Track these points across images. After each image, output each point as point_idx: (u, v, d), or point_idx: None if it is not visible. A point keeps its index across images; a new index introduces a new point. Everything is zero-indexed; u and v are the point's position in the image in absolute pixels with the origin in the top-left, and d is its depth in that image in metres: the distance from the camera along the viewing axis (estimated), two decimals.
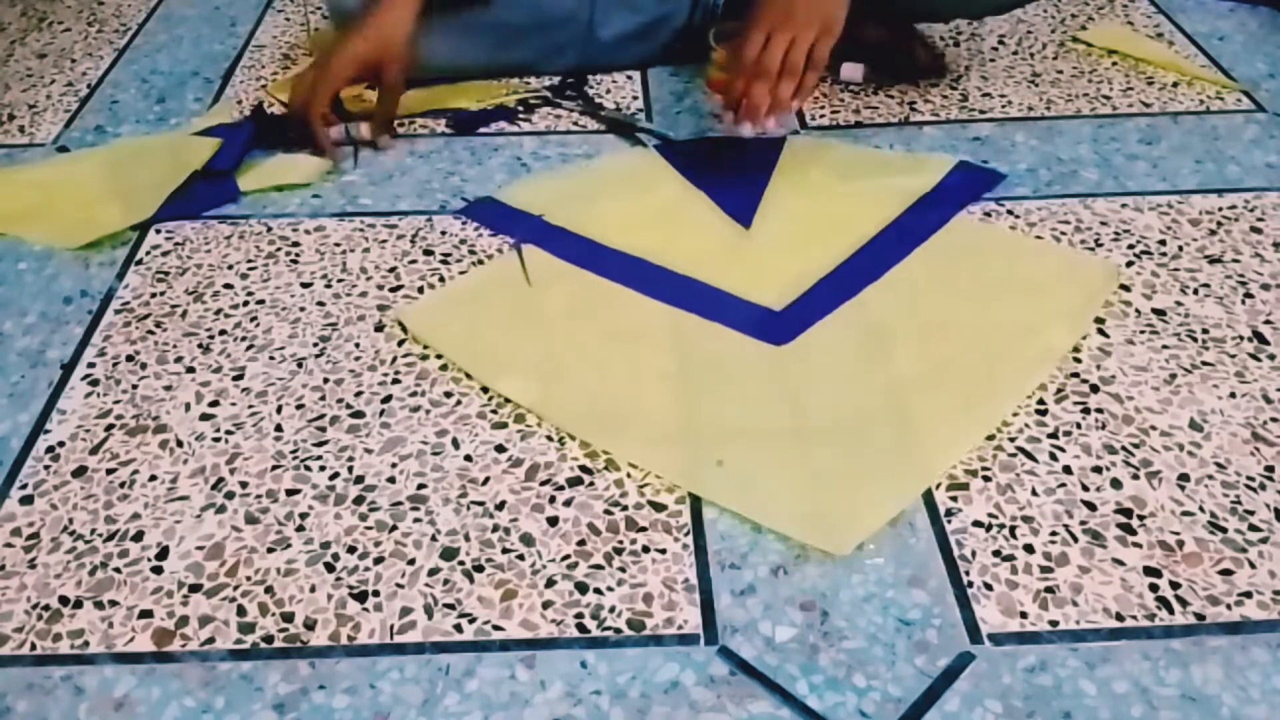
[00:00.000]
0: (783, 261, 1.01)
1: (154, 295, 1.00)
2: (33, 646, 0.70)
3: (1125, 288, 0.98)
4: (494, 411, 0.86)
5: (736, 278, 0.99)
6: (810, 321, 0.93)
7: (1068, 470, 0.81)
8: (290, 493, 0.80)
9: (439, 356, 0.92)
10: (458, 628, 0.71)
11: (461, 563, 0.75)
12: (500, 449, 0.83)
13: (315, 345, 0.94)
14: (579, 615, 0.72)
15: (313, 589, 0.73)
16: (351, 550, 0.76)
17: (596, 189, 1.12)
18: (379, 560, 0.75)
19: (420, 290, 0.99)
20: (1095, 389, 0.87)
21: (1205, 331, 0.93)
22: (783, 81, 1.01)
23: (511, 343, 0.92)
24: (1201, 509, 0.78)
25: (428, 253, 1.04)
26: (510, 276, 1.00)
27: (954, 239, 1.03)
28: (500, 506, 0.79)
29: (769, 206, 1.08)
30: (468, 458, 0.83)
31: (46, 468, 0.83)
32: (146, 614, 0.72)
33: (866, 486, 0.79)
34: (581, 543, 0.76)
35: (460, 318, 0.95)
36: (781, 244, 1.03)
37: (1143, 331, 0.93)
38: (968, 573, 0.74)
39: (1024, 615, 0.71)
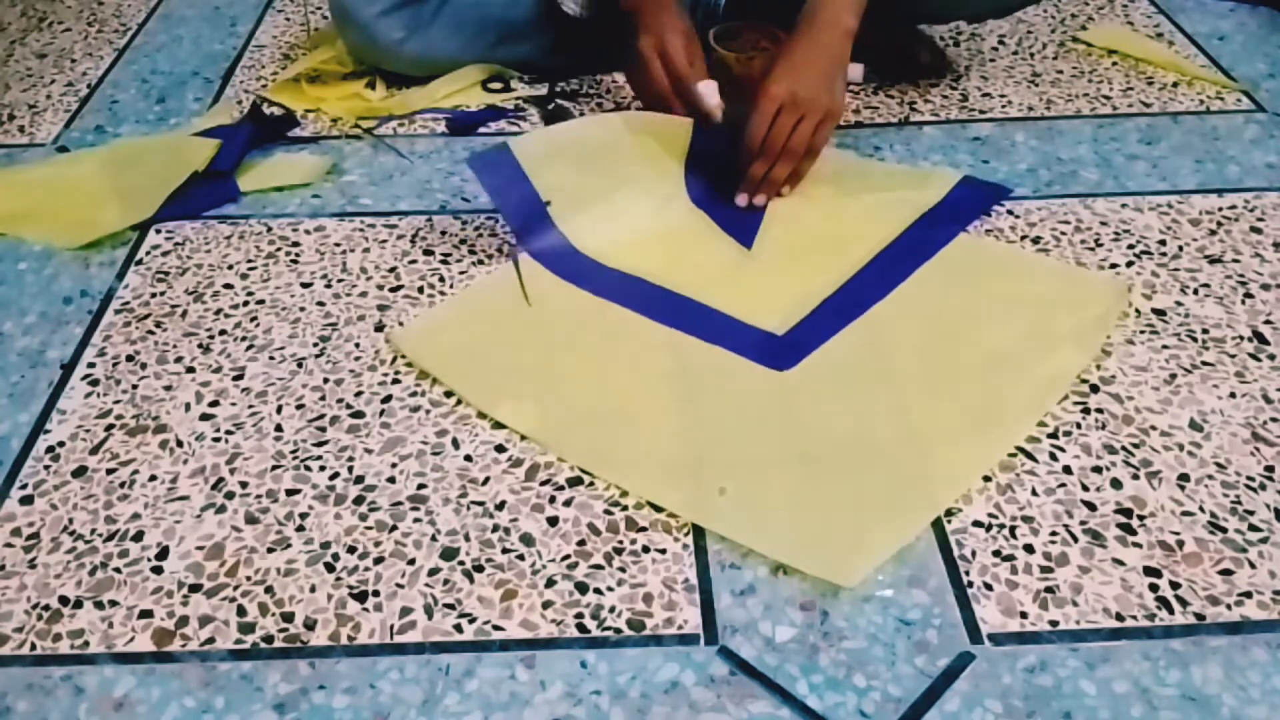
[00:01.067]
0: (785, 282, 0.98)
1: (154, 295, 1.00)
2: (33, 646, 0.70)
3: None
4: None
5: (738, 299, 0.96)
6: (813, 345, 0.91)
7: (1068, 470, 0.81)
8: (290, 493, 0.80)
9: None
10: (458, 628, 0.71)
11: (461, 563, 0.75)
12: (500, 449, 0.83)
13: (315, 345, 0.94)
14: (579, 615, 0.72)
15: (313, 589, 0.73)
16: (351, 550, 0.76)
17: (604, 185, 1.06)
18: (379, 560, 0.75)
19: (420, 290, 0.99)
20: (1095, 389, 0.87)
21: (1205, 331, 0.93)
22: (781, 163, 1.04)
23: (507, 367, 0.90)
24: (1201, 509, 0.78)
25: (428, 253, 1.04)
26: (505, 296, 0.97)
27: (960, 256, 1.01)
28: (500, 506, 0.79)
29: (771, 224, 1.05)
30: (468, 458, 0.83)
31: (46, 468, 0.83)
32: (146, 614, 0.72)
33: (873, 517, 0.77)
34: (581, 543, 0.76)
35: (454, 341, 0.92)
36: (784, 264, 1.01)
37: (1143, 331, 0.93)
38: (968, 573, 0.74)
39: (1024, 615, 0.71)
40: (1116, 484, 0.80)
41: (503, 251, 1.03)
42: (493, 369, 0.90)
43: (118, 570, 0.75)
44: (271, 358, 0.92)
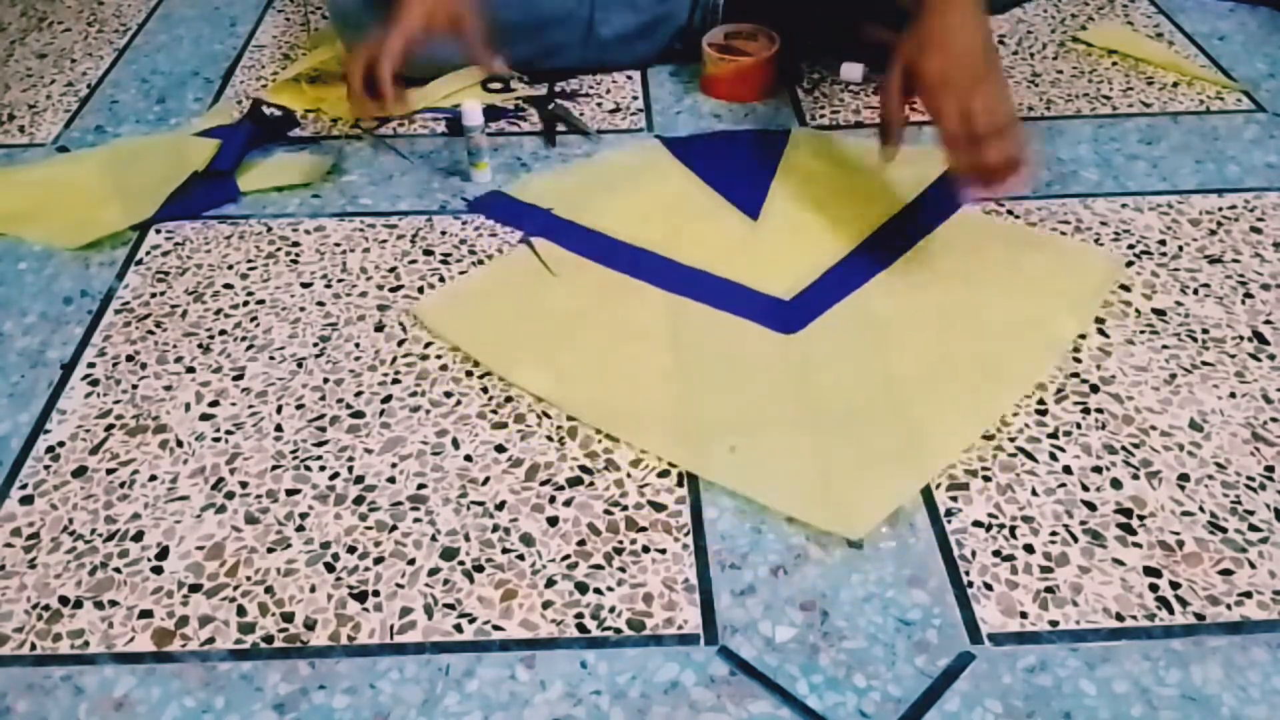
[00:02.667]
0: (791, 252, 1.02)
1: (154, 295, 1.00)
2: (33, 646, 0.70)
3: (1125, 288, 0.98)
4: (494, 411, 0.86)
5: (745, 268, 0.99)
6: (819, 311, 0.94)
7: (1068, 470, 0.81)
8: (290, 493, 0.80)
9: (439, 356, 0.92)
10: (458, 628, 0.71)
11: (461, 563, 0.75)
12: (500, 449, 0.83)
13: (315, 345, 0.94)
14: (579, 615, 0.72)
15: (313, 589, 0.73)
16: (351, 550, 0.76)
17: (604, 183, 1.13)
18: (379, 560, 0.75)
19: (420, 290, 0.99)
20: (1095, 389, 0.87)
21: (1205, 331, 0.93)
22: (994, 141, 0.90)
23: (524, 335, 0.93)
24: (1201, 509, 0.78)
25: (428, 253, 1.04)
26: (521, 269, 1.01)
27: (960, 230, 1.04)
28: (500, 506, 0.79)
29: (776, 198, 1.09)
30: (468, 458, 0.83)
31: (46, 468, 0.83)
32: (146, 614, 0.72)
33: (878, 474, 0.80)
34: (581, 543, 0.76)
35: (472, 311, 0.96)
36: (789, 235, 1.04)
37: (1143, 331, 0.93)
38: (968, 573, 0.74)
39: (1024, 615, 0.71)
40: (1116, 484, 0.80)
41: (502, 252, 1.03)
42: (508, 337, 0.93)
43: (118, 570, 0.75)
44: (271, 358, 0.92)
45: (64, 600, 0.73)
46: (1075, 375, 0.89)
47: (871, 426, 0.83)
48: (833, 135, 1.19)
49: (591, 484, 0.80)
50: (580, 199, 1.09)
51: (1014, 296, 0.95)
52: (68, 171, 1.18)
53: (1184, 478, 0.80)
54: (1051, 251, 1.02)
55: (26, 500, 0.80)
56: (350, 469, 0.82)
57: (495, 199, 1.10)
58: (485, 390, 0.88)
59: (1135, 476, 0.80)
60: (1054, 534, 0.76)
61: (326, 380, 0.90)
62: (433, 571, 0.74)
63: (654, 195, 1.10)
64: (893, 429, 0.83)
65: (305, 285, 1.01)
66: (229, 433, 0.85)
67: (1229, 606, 0.71)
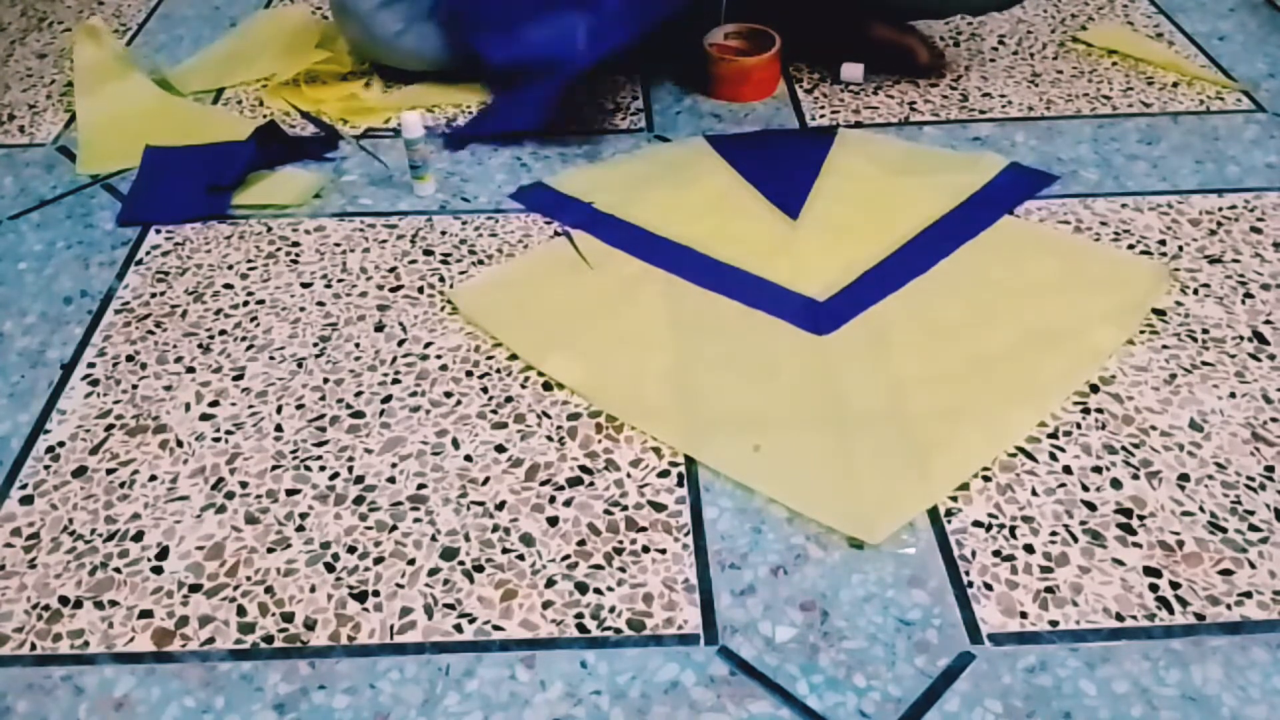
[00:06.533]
0: (828, 253, 1.02)
1: (154, 295, 1.00)
2: (33, 646, 0.70)
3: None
4: (494, 411, 0.86)
5: (782, 268, 1.00)
6: (853, 313, 0.94)
7: (1068, 470, 0.81)
8: (290, 493, 0.80)
9: (439, 356, 0.92)
10: (458, 628, 0.71)
11: (461, 563, 0.75)
12: (500, 449, 0.83)
13: (315, 345, 0.94)
14: (579, 615, 0.71)
15: (313, 589, 0.73)
16: (351, 550, 0.76)
17: (647, 178, 1.13)
18: (379, 560, 0.75)
19: (420, 290, 0.99)
20: (1095, 389, 0.87)
21: (1205, 331, 0.93)
22: None
23: (556, 325, 0.94)
24: (1201, 509, 0.78)
25: (428, 253, 1.04)
26: (559, 260, 1.02)
27: (1002, 237, 1.03)
28: (500, 506, 0.79)
29: (817, 199, 1.09)
30: (468, 458, 0.83)
31: (46, 468, 0.83)
32: (146, 614, 0.72)
33: (903, 479, 0.79)
34: (581, 543, 0.76)
35: (507, 299, 0.97)
36: (828, 236, 1.04)
37: (1143, 331, 0.93)
38: (968, 573, 0.74)
39: (1024, 615, 0.71)
40: (1116, 484, 0.80)
41: (502, 251, 1.03)
42: (541, 326, 0.94)
43: (118, 570, 0.75)
44: (271, 358, 0.92)
45: (64, 600, 0.73)
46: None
47: (898, 432, 0.83)
48: (879, 136, 1.19)
49: (591, 484, 0.80)
50: (622, 194, 1.10)
51: (1055, 305, 0.94)
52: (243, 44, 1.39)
53: (1184, 478, 0.80)
54: (1096, 261, 1.00)
55: (26, 500, 0.80)
56: (350, 469, 0.82)
57: (537, 190, 1.11)
58: (485, 390, 0.88)
59: (1135, 476, 0.80)
60: (1054, 534, 0.76)
61: (326, 380, 0.90)
62: (433, 571, 0.74)
63: (695, 192, 1.11)
64: (918, 437, 0.82)
65: (305, 285, 1.01)
66: (229, 433, 0.85)
67: (1229, 606, 0.71)
